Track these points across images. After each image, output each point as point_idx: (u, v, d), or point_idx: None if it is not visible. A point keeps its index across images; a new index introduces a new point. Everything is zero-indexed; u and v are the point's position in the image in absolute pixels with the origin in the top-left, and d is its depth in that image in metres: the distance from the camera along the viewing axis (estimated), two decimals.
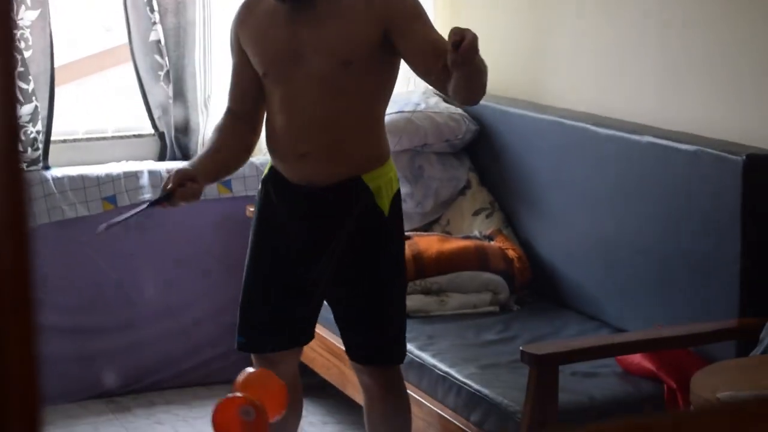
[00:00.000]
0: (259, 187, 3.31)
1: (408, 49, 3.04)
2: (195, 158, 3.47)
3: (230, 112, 3.31)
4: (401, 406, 3.29)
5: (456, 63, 2.72)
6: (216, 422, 2.83)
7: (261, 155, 4.56)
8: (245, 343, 3.34)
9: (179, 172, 3.12)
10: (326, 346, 3.74)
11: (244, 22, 3.22)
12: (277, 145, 3.20)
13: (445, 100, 4.47)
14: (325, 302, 3.32)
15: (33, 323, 0.80)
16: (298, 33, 3.09)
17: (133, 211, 3.24)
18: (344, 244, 3.16)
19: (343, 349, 3.42)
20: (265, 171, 3.29)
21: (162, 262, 4.37)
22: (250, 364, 4.23)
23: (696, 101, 3.65)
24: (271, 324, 3.29)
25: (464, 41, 2.68)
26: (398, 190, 3.22)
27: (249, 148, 3.34)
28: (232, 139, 3.28)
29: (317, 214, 3.16)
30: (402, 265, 3.28)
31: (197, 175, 3.14)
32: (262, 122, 3.29)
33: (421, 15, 3.10)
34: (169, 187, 3.10)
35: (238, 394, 2.85)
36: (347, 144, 3.12)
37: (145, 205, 3.24)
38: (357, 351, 3.26)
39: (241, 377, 2.93)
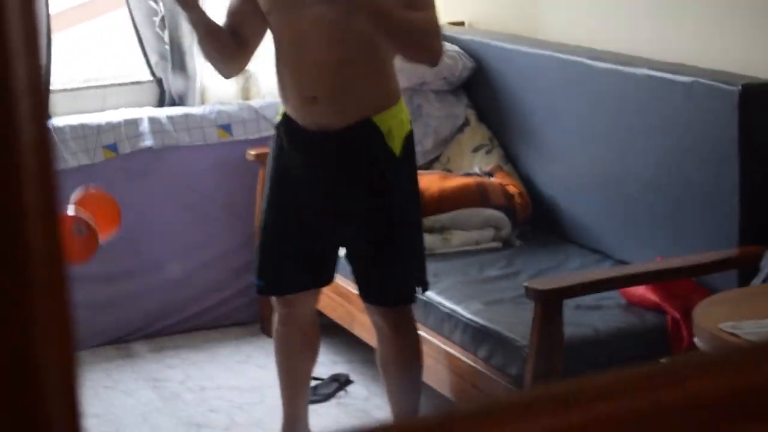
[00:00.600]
0: (273, 132, 3.32)
1: None
2: None
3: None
4: (412, 345, 3.32)
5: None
6: None
7: (259, 98, 4.59)
8: (265, 286, 3.37)
9: None
10: (334, 287, 3.77)
11: None
12: (287, 90, 3.20)
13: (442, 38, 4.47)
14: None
15: (64, 271, 0.82)
16: None
17: None
18: (357, 185, 3.18)
19: (350, 290, 3.46)
20: (279, 116, 3.29)
21: (166, 208, 4.38)
22: (257, 306, 4.31)
23: (691, 32, 3.66)
24: (290, 266, 3.31)
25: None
26: (410, 131, 3.22)
27: (233, 52, 3.29)
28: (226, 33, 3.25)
29: (330, 157, 3.16)
30: (415, 206, 3.29)
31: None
32: (245, 49, 3.28)
33: None
34: None
35: (70, 212, 2.92)
36: (356, 86, 3.12)
37: None
38: (370, 291, 3.28)
39: (76, 195, 3.00)
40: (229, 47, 3.30)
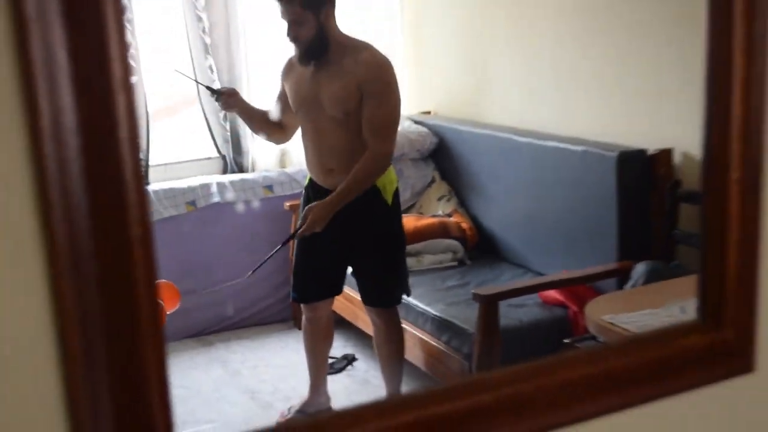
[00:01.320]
0: (302, 191, 3.33)
1: (362, 111, 3.01)
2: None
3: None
4: (398, 334, 3.32)
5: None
6: None
7: (291, 167, 4.61)
8: (296, 297, 3.38)
9: (233, 88, 3.32)
10: (344, 295, 3.79)
11: (287, 71, 3.22)
12: (311, 163, 3.21)
13: (415, 122, 4.50)
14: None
15: (154, 272, 0.85)
16: (318, 87, 3.08)
17: (270, 254, 3.25)
18: (362, 225, 3.17)
19: (354, 296, 3.45)
20: (306, 181, 3.29)
21: (229, 243, 4.36)
22: (291, 309, 4.31)
23: (584, 115, 3.66)
24: (313, 283, 3.32)
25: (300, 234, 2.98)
26: (397, 187, 3.22)
27: (275, 132, 3.35)
28: (270, 117, 3.33)
29: (343, 208, 3.11)
30: (402, 238, 3.27)
31: (239, 96, 3.31)
32: (287, 128, 3.32)
33: (377, 92, 3.00)
34: (222, 88, 3.23)
35: None
36: (357, 160, 3.08)
37: (279, 246, 3.21)
38: (369, 297, 3.28)
39: None
40: (268, 129, 3.36)
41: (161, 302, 2.87)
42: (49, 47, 0.70)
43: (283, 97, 3.26)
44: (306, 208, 3.10)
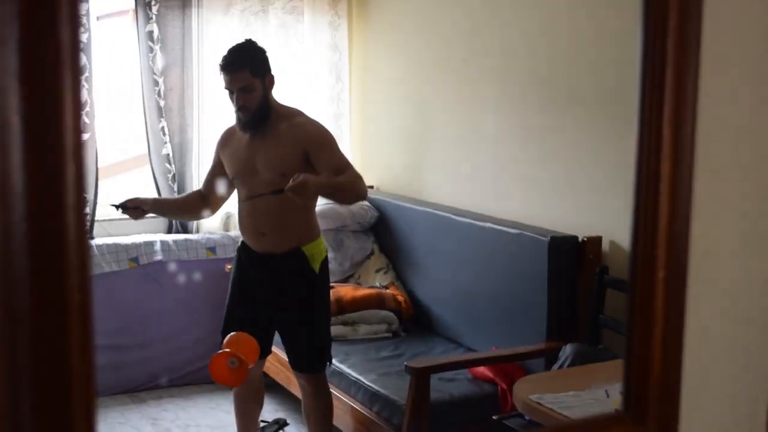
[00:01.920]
0: (235, 253, 3.31)
1: (317, 168, 3.01)
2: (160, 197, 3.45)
3: (198, 191, 3.38)
4: (326, 399, 3.27)
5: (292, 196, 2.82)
6: (212, 370, 2.87)
7: (234, 230, 4.58)
8: None
9: (137, 199, 3.15)
10: (278, 359, 3.74)
11: (224, 140, 3.24)
12: (244, 226, 3.20)
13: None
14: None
15: (90, 339, 0.83)
16: (254, 153, 3.09)
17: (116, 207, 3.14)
18: (289, 291, 3.15)
19: (287, 361, 3.41)
20: (239, 243, 3.28)
21: (168, 301, 4.31)
22: None
23: (519, 200, 3.69)
24: None
25: (290, 185, 2.78)
26: (326, 257, 3.21)
27: (198, 213, 3.39)
28: (191, 201, 3.35)
29: (272, 271, 3.15)
30: (326, 306, 3.25)
31: (147, 204, 3.18)
32: (215, 203, 3.30)
33: (326, 144, 3.05)
34: (126, 202, 3.12)
35: (227, 350, 2.88)
36: (289, 227, 3.12)
37: (118, 210, 3.13)
38: (296, 363, 3.24)
39: (227, 338, 2.97)
40: (188, 213, 3.45)
41: (242, 357, 2.81)
42: (3, 111, 0.69)
43: (216, 168, 3.27)
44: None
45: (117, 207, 3.14)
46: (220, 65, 3.04)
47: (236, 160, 3.16)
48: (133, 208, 3.13)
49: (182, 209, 3.43)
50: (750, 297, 1.21)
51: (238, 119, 3.10)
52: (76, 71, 0.73)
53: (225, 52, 3.07)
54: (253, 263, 3.19)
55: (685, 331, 1.03)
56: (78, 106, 0.71)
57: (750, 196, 1.22)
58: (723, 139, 1.21)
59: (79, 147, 0.71)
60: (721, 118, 1.19)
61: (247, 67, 3.00)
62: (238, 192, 3.22)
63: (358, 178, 3.03)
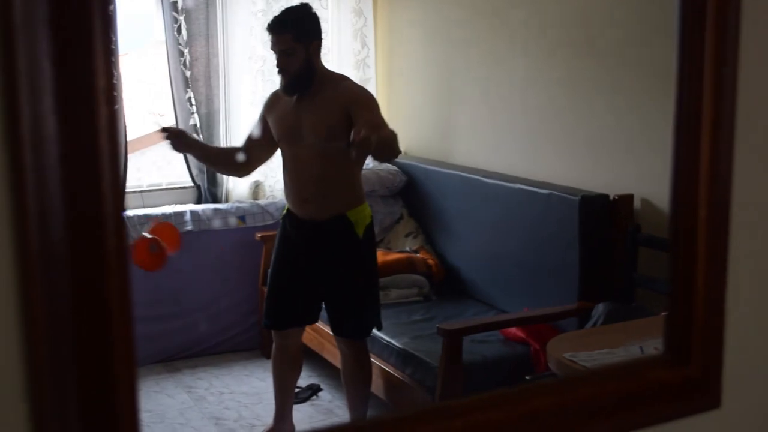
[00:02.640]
0: (280, 220, 3.31)
1: (356, 125, 2.92)
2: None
3: (237, 147, 3.36)
4: (367, 365, 3.28)
5: (355, 151, 2.65)
6: (134, 254, 2.89)
7: (263, 199, 4.58)
8: (268, 323, 3.32)
9: (180, 129, 3.25)
10: (312, 327, 3.74)
11: (271, 103, 3.22)
12: (288, 192, 3.20)
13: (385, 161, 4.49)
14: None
15: (130, 313, 0.82)
16: (300, 117, 3.09)
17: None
18: (334, 257, 3.15)
19: (322, 328, 3.41)
20: (284, 210, 3.27)
21: (201, 271, 4.32)
22: (259, 337, 4.26)
23: (548, 160, 3.68)
24: (286, 311, 3.27)
25: (358, 138, 2.61)
26: (371, 222, 3.20)
27: (232, 167, 3.37)
28: (229, 153, 3.39)
29: (317, 238, 3.15)
30: (373, 271, 3.23)
31: (189, 137, 3.27)
32: (250, 163, 3.29)
33: (369, 104, 3.05)
34: (170, 127, 3.18)
35: (148, 235, 2.91)
36: (334, 193, 3.12)
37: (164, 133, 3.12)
38: (339, 328, 3.24)
39: (150, 225, 3.00)
40: (225, 167, 3.42)
41: (163, 244, 2.83)
42: (34, 55, 0.67)
43: (258, 130, 3.25)
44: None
45: (162, 129, 3.15)
46: (267, 28, 3.06)
47: (282, 123, 3.16)
48: (176, 136, 3.14)
49: (218, 158, 3.43)
50: None
51: (281, 82, 3.11)
52: (106, 13, 0.72)
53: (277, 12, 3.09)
54: (298, 230, 3.19)
55: (727, 272, 1.01)
56: (108, 48, 0.70)
57: None
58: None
59: (110, 90, 0.70)
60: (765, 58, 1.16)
61: (290, 31, 3.01)
62: (283, 156, 3.21)
63: (396, 135, 2.97)
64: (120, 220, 0.79)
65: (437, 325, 3.13)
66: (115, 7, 0.73)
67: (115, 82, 0.69)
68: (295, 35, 3.01)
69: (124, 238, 0.76)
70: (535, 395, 0.96)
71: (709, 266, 0.99)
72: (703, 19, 1.05)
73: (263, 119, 3.24)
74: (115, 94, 0.71)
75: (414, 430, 0.91)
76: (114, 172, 0.72)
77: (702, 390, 1.01)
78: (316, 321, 3.39)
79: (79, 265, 0.73)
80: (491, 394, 0.94)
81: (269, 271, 3.31)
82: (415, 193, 4.38)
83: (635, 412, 0.99)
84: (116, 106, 0.70)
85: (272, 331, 3.38)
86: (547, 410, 0.94)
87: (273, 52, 3.07)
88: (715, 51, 1.06)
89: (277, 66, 3.06)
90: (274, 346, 3.38)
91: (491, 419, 0.92)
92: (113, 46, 0.67)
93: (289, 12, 3.10)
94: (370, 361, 3.29)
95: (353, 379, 3.28)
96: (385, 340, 3.45)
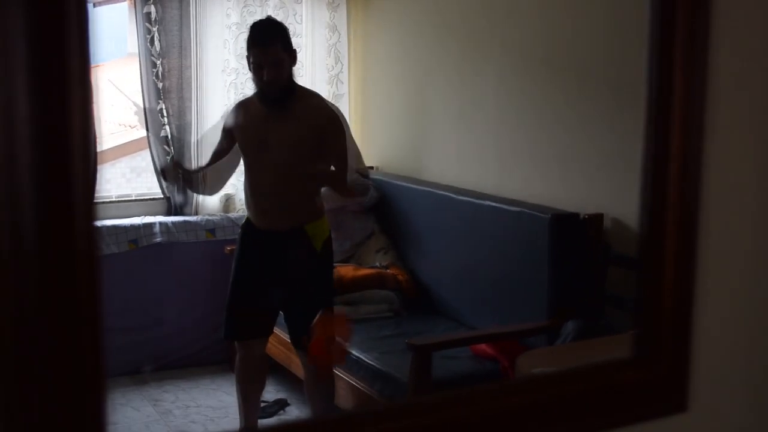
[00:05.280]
0: (239, 229, 3.30)
1: (326, 149, 3.03)
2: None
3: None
4: (329, 378, 3.26)
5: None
6: (312, 353, 2.94)
7: (234, 212, 4.56)
8: (228, 334, 3.31)
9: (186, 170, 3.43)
10: (278, 339, 3.73)
11: (236, 115, 3.19)
12: (249, 202, 3.20)
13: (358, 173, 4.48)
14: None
15: (100, 323, 0.80)
16: (269, 128, 3.07)
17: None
18: (291, 269, 3.15)
19: (289, 341, 3.39)
20: (244, 220, 3.27)
21: (169, 284, 4.29)
22: (227, 351, 4.23)
23: (519, 178, 3.68)
24: (245, 322, 3.25)
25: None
26: (329, 236, 3.21)
27: (212, 187, 3.52)
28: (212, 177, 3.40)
29: (275, 249, 3.15)
30: (329, 286, 3.25)
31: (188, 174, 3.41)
32: (225, 176, 3.37)
33: (341, 134, 3.08)
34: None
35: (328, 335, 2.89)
36: (293, 205, 3.12)
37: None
38: (297, 341, 3.21)
39: (318, 318, 2.98)
40: (205, 188, 3.48)
41: (341, 340, 2.83)
42: (7, 34, 0.66)
43: (223, 145, 3.25)
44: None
45: (175, 165, 3.20)
46: (252, 39, 3.00)
47: (249, 133, 3.14)
48: (187, 175, 3.20)
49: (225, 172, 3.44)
50: (765, 234, 1.19)
51: (264, 94, 3.06)
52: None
53: (252, 28, 3.05)
54: (257, 240, 3.18)
55: (696, 270, 1.02)
56: (84, 30, 0.69)
57: (764, 140, 1.20)
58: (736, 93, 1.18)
59: (84, 74, 0.69)
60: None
61: (279, 42, 2.99)
62: (246, 166, 3.20)
63: (367, 175, 3.10)
64: (90, 208, 0.78)
65: (406, 341, 3.11)
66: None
67: (89, 65, 0.69)
68: (283, 45, 3.00)
69: (94, 223, 0.75)
70: (501, 395, 0.96)
71: (677, 270, 0.99)
72: (672, 37, 1.06)
73: (228, 132, 3.22)
74: (90, 77, 0.71)
75: (381, 427, 0.90)
76: (85, 157, 0.71)
77: (670, 392, 1.01)
78: (272, 332, 3.38)
79: (49, 254, 0.72)
80: (458, 393, 0.93)
81: (230, 280, 3.29)
82: (386, 209, 4.38)
83: (602, 414, 0.99)
84: (90, 90, 0.69)
85: (235, 343, 3.35)
86: (512, 410, 0.94)
87: (257, 65, 3.00)
88: (684, 66, 1.07)
89: (267, 77, 2.99)
90: (237, 357, 3.36)
91: (457, 417, 0.92)
92: (86, 26, 0.67)
93: (271, 23, 3.08)
94: (332, 374, 3.27)
95: (316, 393, 3.26)
96: (355, 356, 3.43)
